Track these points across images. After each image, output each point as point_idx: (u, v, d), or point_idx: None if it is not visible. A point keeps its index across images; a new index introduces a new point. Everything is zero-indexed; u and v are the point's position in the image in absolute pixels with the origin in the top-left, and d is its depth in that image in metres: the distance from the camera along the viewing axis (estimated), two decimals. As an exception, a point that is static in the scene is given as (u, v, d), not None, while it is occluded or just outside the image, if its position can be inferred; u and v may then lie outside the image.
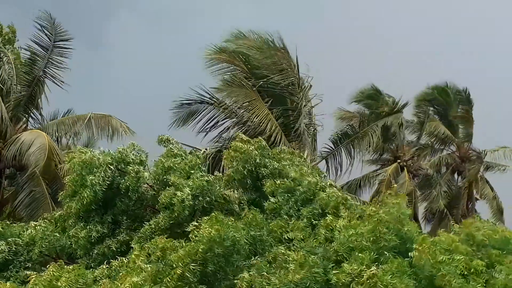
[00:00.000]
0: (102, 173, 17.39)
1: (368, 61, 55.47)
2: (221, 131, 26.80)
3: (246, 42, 25.97)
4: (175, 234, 16.86)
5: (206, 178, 17.61)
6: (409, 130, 39.66)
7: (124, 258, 16.62)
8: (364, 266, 14.28)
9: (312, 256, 14.89)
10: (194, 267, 14.84)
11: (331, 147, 26.80)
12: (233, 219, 15.91)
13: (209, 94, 26.79)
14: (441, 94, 40.36)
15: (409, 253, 14.55)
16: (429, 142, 40.87)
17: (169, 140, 18.98)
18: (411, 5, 65.55)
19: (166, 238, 15.83)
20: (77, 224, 17.85)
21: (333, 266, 14.76)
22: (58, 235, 18.08)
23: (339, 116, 34.97)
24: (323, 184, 18.03)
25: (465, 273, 14.19)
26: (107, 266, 16.52)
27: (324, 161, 27.14)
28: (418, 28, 63.10)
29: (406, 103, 34.26)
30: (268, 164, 18.47)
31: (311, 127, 26.87)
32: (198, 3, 65.87)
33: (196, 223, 15.39)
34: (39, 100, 28.62)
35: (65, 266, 16.30)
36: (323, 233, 16.06)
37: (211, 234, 14.88)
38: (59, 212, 18.87)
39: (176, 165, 17.85)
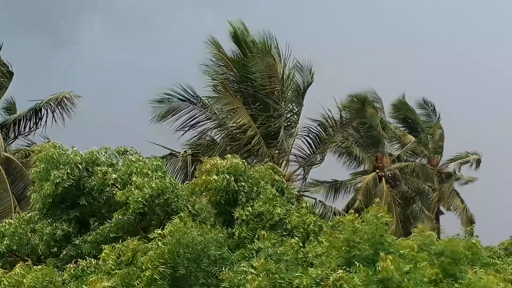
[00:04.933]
0: (68, 170, 17.46)
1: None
2: (201, 131, 26.77)
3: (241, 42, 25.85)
4: (143, 238, 16.59)
5: (167, 180, 17.52)
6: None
7: (92, 259, 16.49)
8: (330, 270, 14.14)
9: (271, 262, 14.70)
10: (163, 270, 14.77)
11: (306, 154, 27.07)
12: (195, 224, 15.77)
13: (192, 93, 26.59)
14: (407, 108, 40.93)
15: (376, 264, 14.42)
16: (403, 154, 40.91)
17: (127, 151, 18.98)
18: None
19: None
20: (42, 220, 17.95)
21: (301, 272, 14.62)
22: (29, 234, 18.08)
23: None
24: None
25: (427, 281, 14.28)
26: (74, 265, 16.42)
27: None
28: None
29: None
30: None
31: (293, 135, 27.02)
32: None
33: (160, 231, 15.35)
34: None
35: (33, 266, 16.30)
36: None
37: (175, 234, 14.85)
38: (29, 213, 18.87)
39: (139, 169, 17.69)
